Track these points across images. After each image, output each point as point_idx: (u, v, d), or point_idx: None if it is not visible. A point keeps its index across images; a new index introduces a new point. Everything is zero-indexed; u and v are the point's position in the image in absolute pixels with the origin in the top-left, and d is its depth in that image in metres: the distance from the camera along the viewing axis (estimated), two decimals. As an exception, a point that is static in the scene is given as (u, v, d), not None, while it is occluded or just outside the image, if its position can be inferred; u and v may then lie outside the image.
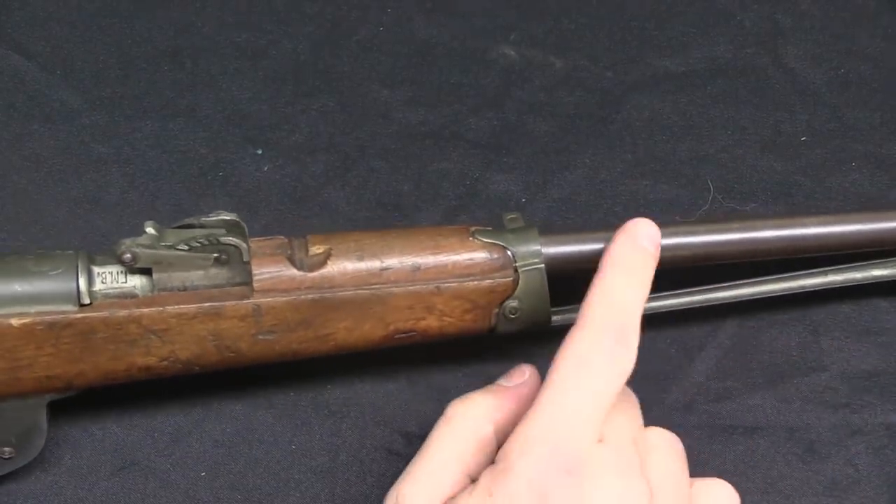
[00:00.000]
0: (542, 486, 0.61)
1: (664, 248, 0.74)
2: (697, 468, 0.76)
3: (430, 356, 0.79)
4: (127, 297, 0.69)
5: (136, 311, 0.69)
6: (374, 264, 0.71)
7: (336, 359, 0.77)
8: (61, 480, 0.75)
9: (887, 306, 0.81)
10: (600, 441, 0.63)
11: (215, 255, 0.69)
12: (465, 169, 0.85)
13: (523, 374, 0.69)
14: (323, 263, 0.71)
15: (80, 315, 0.68)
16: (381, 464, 0.77)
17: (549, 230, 0.74)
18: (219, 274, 0.70)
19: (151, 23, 0.89)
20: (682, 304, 0.77)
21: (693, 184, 0.85)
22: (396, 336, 0.72)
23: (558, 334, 0.78)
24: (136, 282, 0.70)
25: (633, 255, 0.69)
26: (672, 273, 0.78)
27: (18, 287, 0.68)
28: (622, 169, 0.86)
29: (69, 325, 0.68)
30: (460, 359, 0.79)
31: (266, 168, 0.85)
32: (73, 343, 0.68)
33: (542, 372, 0.67)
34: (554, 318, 0.74)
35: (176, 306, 0.69)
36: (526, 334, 0.77)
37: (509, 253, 0.72)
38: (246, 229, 0.70)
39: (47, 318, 0.68)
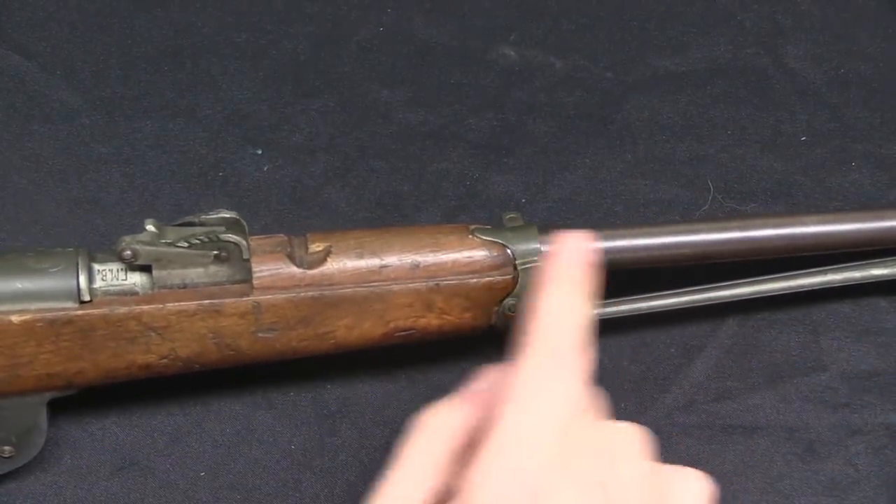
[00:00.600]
0: None
1: (665, 248, 0.74)
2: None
3: (430, 356, 0.79)
4: (127, 294, 0.69)
5: (136, 308, 0.69)
6: (373, 262, 0.71)
7: (336, 358, 0.77)
8: (61, 480, 0.75)
9: (887, 306, 0.81)
10: (560, 457, 0.62)
11: (215, 252, 0.70)
12: (465, 169, 0.85)
13: (488, 376, 0.69)
14: (323, 261, 0.71)
15: (80, 312, 0.68)
16: (381, 464, 0.76)
17: (549, 229, 0.74)
18: (219, 271, 0.70)
19: (151, 23, 0.89)
20: (681, 304, 0.78)
21: (693, 184, 0.85)
22: (396, 334, 0.72)
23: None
24: (136, 279, 0.70)
25: (566, 270, 0.66)
26: (672, 272, 0.78)
27: (19, 284, 0.68)
28: (622, 169, 0.86)
29: (69, 321, 0.68)
30: (460, 359, 0.79)
31: (266, 168, 0.85)
32: (73, 340, 0.69)
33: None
34: (554, 316, 0.75)
35: (176, 303, 0.69)
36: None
37: (509, 251, 0.73)
38: (246, 227, 0.70)
39: (47, 314, 0.68)
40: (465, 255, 0.72)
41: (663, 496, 0.63)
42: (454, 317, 0.72)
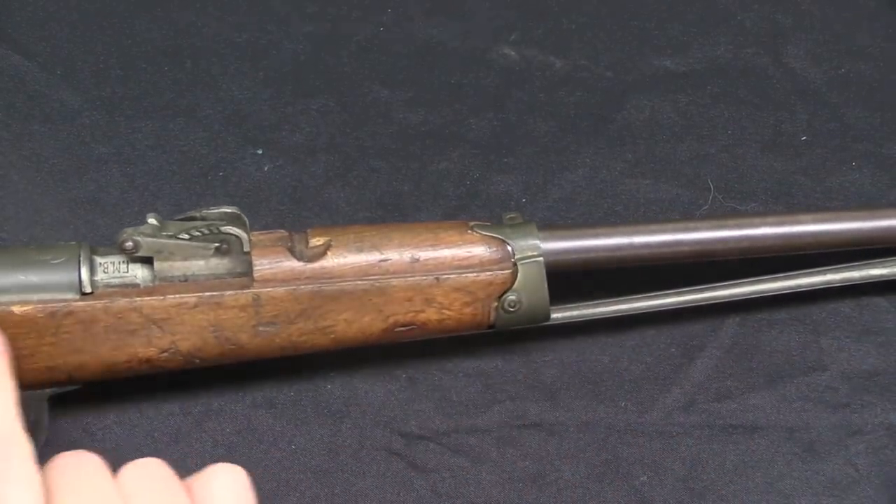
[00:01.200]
0: None
1: (663, 246, 0.75)
2: (697, 468, 0.76)
3: (430, 356, 0.79)
4: (128, 286, 0.70)
5: (138, 300, 0.69)
6: (373, 256, 0.72)
7: (336, 358, 0.77)
8: (61, 480, 0.75)
9: (887, 306, 0.82)
10: None
11: (216, 245, 0.70)
12: (466, 169, 0.85)
13: None
14: (323, 255, 0.71)
15: (81, 303, 0.69)
16: (381, 464, 0.77)
17: (548, 226, 0.74)
18: (220, 264, 0.70)
19: (151, 23, 0.89)
20: (681, 303, 0.78)
21: (693, 184, 0.85)
22: (396, 329, 0.72)
23: (558, 333, 0.79)
24: (137, 272, 0.70)
25: None
26: (671, 271, 0.78)
27: (21, 275, 0.68)
28: (622, 169, 0.86)
29: (70, 313, 0.68)
30: (460, 359, 0.79)
31: (266, 168, 0.85)
32: (74, 332, 0.69)
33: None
34: (554, 315, 0.75)
35: (177, 295, 0.70)
36: (525, 332, 0.77)
37: (508, 247, 0.73)
38: (247, 221, 0.71)
39: (49, 306, 0.68)
40: (464, 249, 0.72)
41: None
42: (454, 312, 0.73)
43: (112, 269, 0.70)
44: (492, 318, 0.73)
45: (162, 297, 0.69)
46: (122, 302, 0.69)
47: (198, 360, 0.71)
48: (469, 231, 0.73)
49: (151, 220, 0.70)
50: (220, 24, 0.89)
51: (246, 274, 0.71)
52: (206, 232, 0.70)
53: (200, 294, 0.70)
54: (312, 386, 0.78)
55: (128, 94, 0.86)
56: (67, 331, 0.69)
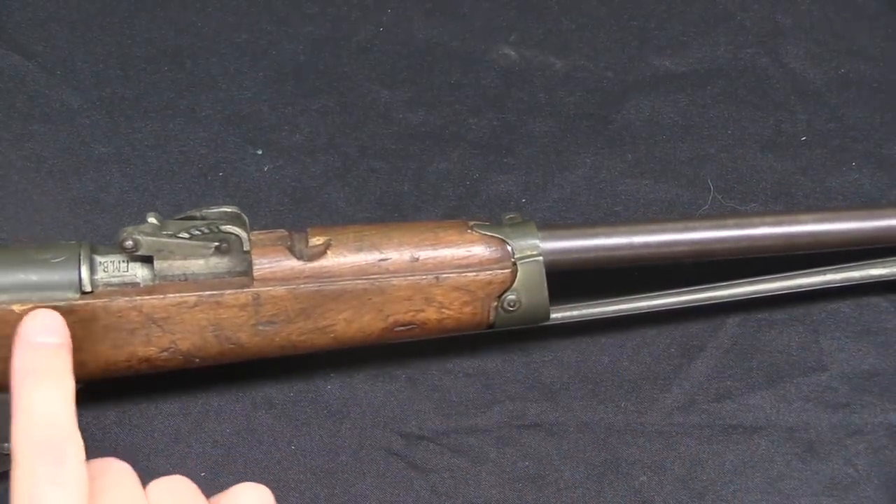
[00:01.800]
0: None
1: (663, 245, 0.75)
2: (697, 468, 0.76)
3: (430, 356, 0.79)
4: (128, 285, 0.70)
5: (138, 299, 0.69)
6: (373, 255, 0.72)
7: (335, 358, 0.77)
8: (61, 480, 0.75)
9: (887, 306, 0.82)
10: None
11: (216, 243, 0.70)
12: (465, 169, 0.85)
13: None
14: (322, 254, 0.71)
15: (81, 302, 0.69)
16: (381, 464, 0.77)
17: (548, 225, 0.75)
18: (219, 263, 0.71)
19: (151, 23, 0.89)
20: (681, 303, 0.78)
21: (693, 184, 0.85)
22: (396, 329, 0.72)
23: (558, 333, 0.79)
24: (137, 271, 0.70)
25: (35, 358, 0.64)
26: (671, 271, 0.78)
27: (21, 274, 0.68)
28: (622, 169, 0.86)
29: (71, 311, 0.68)
30: (460, 359, 0.79)
31: (266, 168, 0.85)
32: (75, 331, 0.69)
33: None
34: (553, 315, 0.75)
35: (176, 294, 0.70)
36: (525, 332, 0.77)
37: (508, 246, 0.73)
38: (247, 221, 0.71)
39: (49, 304, 0.68)
40: (464, 249, 0.72)
41: None
42: (454, 311, 0.73)
43: (112, 268, 0.70)
44: (491, 317, 0.73)
45: (162, 296, 0.70)
46: (122, 301, 0.69)
47: (197, 360, 0.71)
48: (469, 230, 0.73)
49: (151, 220, 0.70)
50: (220, 24, 0.89)
51: (246, 273, 0.71)
52: (206, 231, 0.70)
53: (200, 293, 0.70)
54: (312, 386, 0.78)
55: (128, 94, 0.86)
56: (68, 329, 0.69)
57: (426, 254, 0.72)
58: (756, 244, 0.76)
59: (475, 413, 0.78)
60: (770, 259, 0.78)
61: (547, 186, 0.85)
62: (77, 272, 0.69)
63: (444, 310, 0.72)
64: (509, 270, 0.73)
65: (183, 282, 0.70)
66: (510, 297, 0.73)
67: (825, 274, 0.79)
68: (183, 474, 0.75)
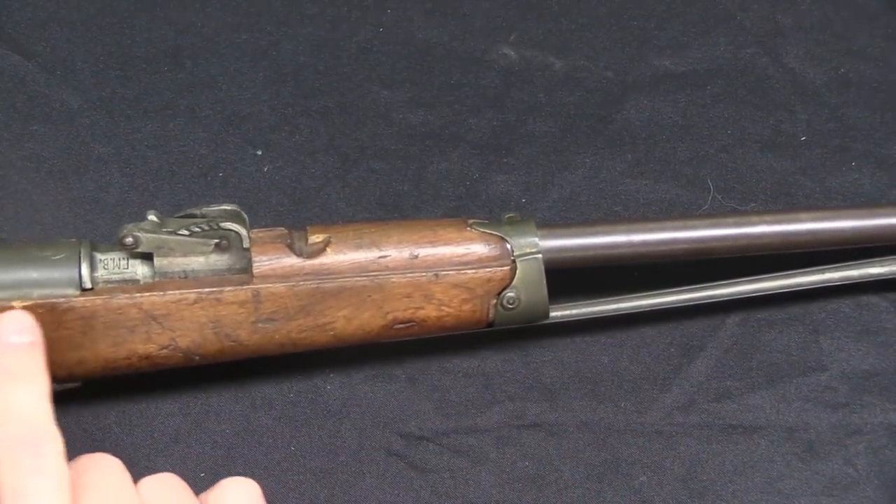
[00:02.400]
0: None
1: (662, 243, 0.75)
2: (697, 468, 0.76)
3: (430, 356, 0.79)
4: (128, 282, 0.70)
5: (138, 296, 0.69)
6: (372, 252, 0.72)
7: (335, 358, 0.77)
8: (61, 480, 0.75)
9: (887, 306, 0.82)
10: None
11: (216, 241, 0.70)
12: (465, 169, 0.85)
13: None
14: (322, 251, 0.71)
15: (81, 299, 0.69)
16: (381, 465, 0.77)
17: (547, 223, 0.75)
18: (219, 260, 0.71)
19: (151, 23, 0.89)
20: (681, 302, 0.78)
21: (693, 184, 0.85)
22: (395, 326, 0.73)
23: (557, 332, 0.79)
24: (137, 268, 0.70)
25: (7, 358, 0.64)
26: (671, 270, 0.78)
27: (21, 272, 0.69)
28: (622, 169, 0.86)
29: (70, 308, 0.69)
30: (460, 359, 0.79)
31: (266, 169, 0.85)
32: (75, 328, 0.69)
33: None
34: (553, 313, 0.75)
35: (176, 291, 0.70)
36: (525, 332, 0.77)
37: (507, 244, 0.73)
38: (246, 218, 0.71)
39: (49, 301, 0.68)
40: (463, 247, 0.73)
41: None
42: (453, 309, 0.73)
43: (112, 265, 0.70)
44: (491, 315, 0.73)
45: (162, 293, 0.70)
46: (122, 298, 0.69)
47: (197, 357, 0.72)
48: (468, 228, 0.73)
49: (151, 217, 0.70)
50: (220, 24, 0.89)
51: (245, 270, 0.71)
52: (206, 228, 0.70)
53: (200, 290, 0.70)
54: (312, 387, 0.78)
55: (128, 94, 0.86)
56: (67, 327, 0.69)
57: (425, 251, 0.72)
58: (755, 242, 0.76)
59: (475, 413, 0.78)
60: (769, 258, 0.78)
61: (547, 186, 0.85)
62: (77, 269, 0.69)
63: (443, 307, 0.72)
64: (508, 268, 0.73)
65: (183, 279, 0.70)
66: (509, 294, 0.73)
67: (824, 273, 0.79)
68: (183, 474, 0.75)
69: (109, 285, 0.70)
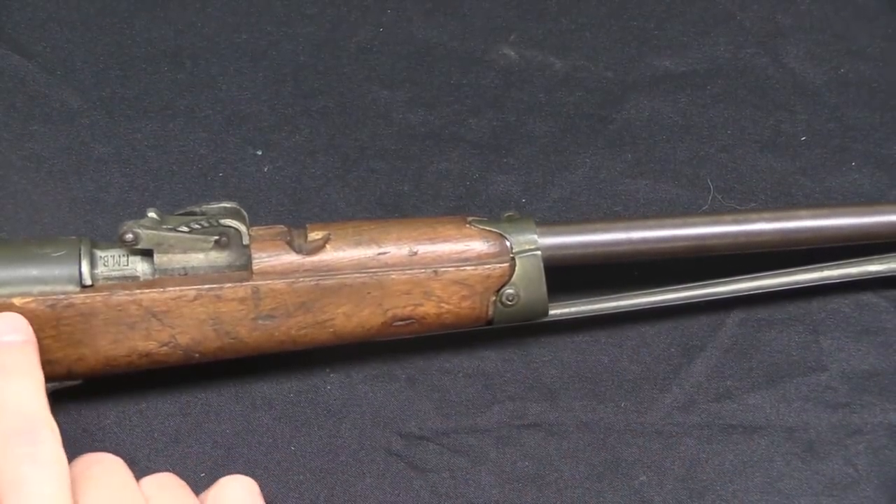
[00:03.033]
0: None
1: (661, 241, 0.75)
2: (697, 468, 0.76)
3: (430, 356, 0.79)
4: (128, 279, 0.70)
5: (138, 293, 0.70)
6: (371, 249, 0.72)
7: (335, 358, 0.77)
8: (61, 480, 0.75)
9: (887, 306, 0.82)
10: None
11: (216, 238, 0.70)
12: (465, 170, 0.85)
13: None
14: (322, 248, 0.71)
15: (81, 296, 0.69)
16: (381, 464, 0.77)
17: (547, 221, 0.75)
18: (219, 257, 0.71)
19: (151, 23, 0.89)
20: (680, 300, 0.78)
21: (693, 184, 0.85)
22: (395, 324, 0.73)
23: (557, 332, 0.79)
24: (137, 265, 0.71)
25: (2, 355, 0.65)
26: (670, 270, 0.78)
27: (21, 268, 0.69)
28: (622, 169, 0.86)
29: (70, 305, 0.69)
30: (460, 359, 0.79)
31: (266, 169, 0.85)
32: (74, 325, 0.69)
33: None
34: (552, 311, 0.75)
35: (176, 288, 0.70)
36: (525, 331, 0.77)
37: (506, 241, 0.73)
38: (246, 216, 0.71)
39: (49, 298, 0.69)
40: (462, 243, 0.73)
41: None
42: (452, 305, 0.73)
43: (112, 262, 0.70)
44: (490, 312, 0.73)
45: (162, 290, 0.70)
46: (122, 294, 0.70)
47: (197, 355, 0.72)
48: (467, 225, 0.73)
49: (151, 214, 0.71)
50: (220, 24, 0.89)
51: (245, 267, 0.71)
52: (206, 225, 0.70)
53: (200, 286, 0.70)
54: (312, 386, 0.78)
55: (128, 94, 0.86)
56: (67, 323, 0.69)
57: (424, 248, 0.72)
58: (754, 239, 0.76)
59: (475, 413, 0.78)
60: (769, 256, 0.78)
61: (547, 186, 0.85)
62: (77, 266, 0.69)
63: (442, 304, 0.73)
64: (507, 264, 0.73)
65: (183, 276, 0.71)
66: (509, 291, 0.73)
67: (823, 270, 0.79)
68: (183, 474, 0.75)
69: (109, 282, 0.70)
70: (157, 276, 0.70)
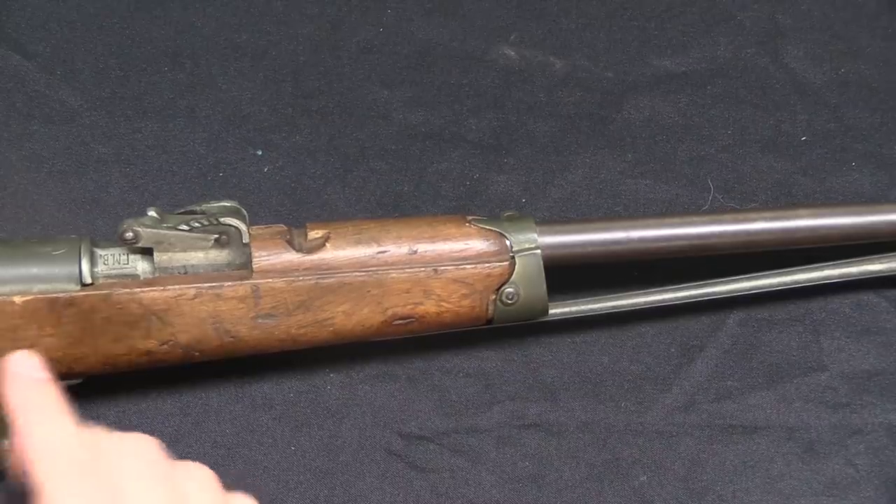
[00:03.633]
0: None
1: (661, 240, 0.75)
2: (697, 468, 0.76)
3: (430, 356, 0.79)
4: (128, 277, 0.70)
5: (138, 291, 0.70)
6: (371, 248, 0.72)
7: (335, 358, 0.77)
8: (61, 480, 0.75)
9: (887, 306, 0.82)
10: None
11: (216, 236, 0.71)
12: (466, 169, 0.85)
13: None
14: (321, 246, 0.72)
15: (82, 294, 0.69)
16: (381, 464, 0.77)
17: (546, 220, 0.75)
18: (219, 256, 0.71)
19: (151, 23, 0.89)
20: (680, 299, 0.78)
21: (693, 184, 0.85)
22: (395, 322, 0.73)
23: (557, 332, 0.79)
24: (137, 263, 0.71)
25: (29, 392, 0.61)
26: (670, 270, 0.78)
27: (22, 267, 0.69)
28: (622, 169, 0.86)
29: (71, 303, 0.69)
30: (460, 359, 0.79)
31: (266, 169, 0.85)
32: (75, 323, 0.69)
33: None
34: (552, 311, 0.75)
35: (176, 286, 0.70)
36: (525, 332, 0.77)
37: (506, 240, 0.73)
38: (246, 215, 0.71)
39: (50, 296, 0.69)
40: (461, 242, 0.73)
41: (178, 490, 0.61)
42: (452, 304, 0.73)
43: (112, 260, 0.71)
44: (490, 311, 0.73)
45: (162, 288, 0.70)
46: (122, 292, 0.70)
47: (197, 353, 0.72)
48: (466, 224, 0.73)
49: (151, 213, 0.71)
50: (220, 24, 0.89)
51: (245, 265, 0.71)
52: (206, 224, 0.70)
53: (200, 285, 0.70)
54: (312, 386, 0.78)
55: (128, 94, 0.86)
56: (68, 321, 0.69)
57: (424, 247, 0.72)
58: (754, 239, 0.76)
59: (475, 413, 0.78)
60: (769, 256, 0.78)
61: (547, 186, 0.85)
62: (77, 264, 0.69)
63: (442, 303, 0.73)
64: (507, 263, 0.73)
65: (183, 274, 0.71)
66: (508, 289, 0.73)
67: (823, 270, 0.79)
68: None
69: (109, 280, 0.70)
70: (157, 275, 0.70)
